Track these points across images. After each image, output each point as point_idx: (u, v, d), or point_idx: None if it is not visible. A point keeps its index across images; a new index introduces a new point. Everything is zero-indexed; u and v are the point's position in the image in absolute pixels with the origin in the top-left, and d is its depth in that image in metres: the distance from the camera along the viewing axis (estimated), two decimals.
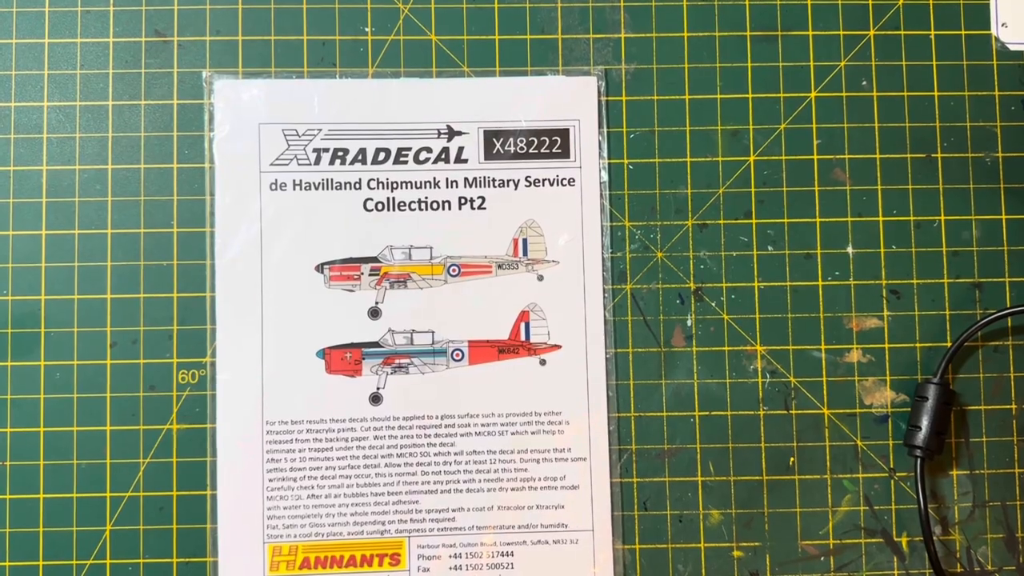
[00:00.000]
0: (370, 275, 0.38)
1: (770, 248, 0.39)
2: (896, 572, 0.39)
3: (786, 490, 0.39)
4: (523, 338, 0.38)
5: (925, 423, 0.38)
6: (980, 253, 0.40)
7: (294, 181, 0.38)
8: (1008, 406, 0.39)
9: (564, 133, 0.39)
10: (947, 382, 0.39)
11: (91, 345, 0.38)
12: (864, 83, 0.40)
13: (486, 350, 0.38)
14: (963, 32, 0.40)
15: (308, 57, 0.39)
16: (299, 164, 0.38)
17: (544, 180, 0.39)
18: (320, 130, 0.39)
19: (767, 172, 0.40)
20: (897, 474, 0.39)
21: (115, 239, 0.39)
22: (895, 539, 0.39)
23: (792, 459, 0.39)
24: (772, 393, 0.39)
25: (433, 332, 0.38)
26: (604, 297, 0.39)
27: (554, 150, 0.39)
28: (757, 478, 0.39)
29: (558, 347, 0.38)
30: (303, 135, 0.38)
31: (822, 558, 0.39)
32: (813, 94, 0.40)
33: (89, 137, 0.39)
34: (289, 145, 0.38)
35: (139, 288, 0.38)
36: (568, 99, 0.39)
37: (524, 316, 0.38)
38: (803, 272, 0.39)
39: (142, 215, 0.39)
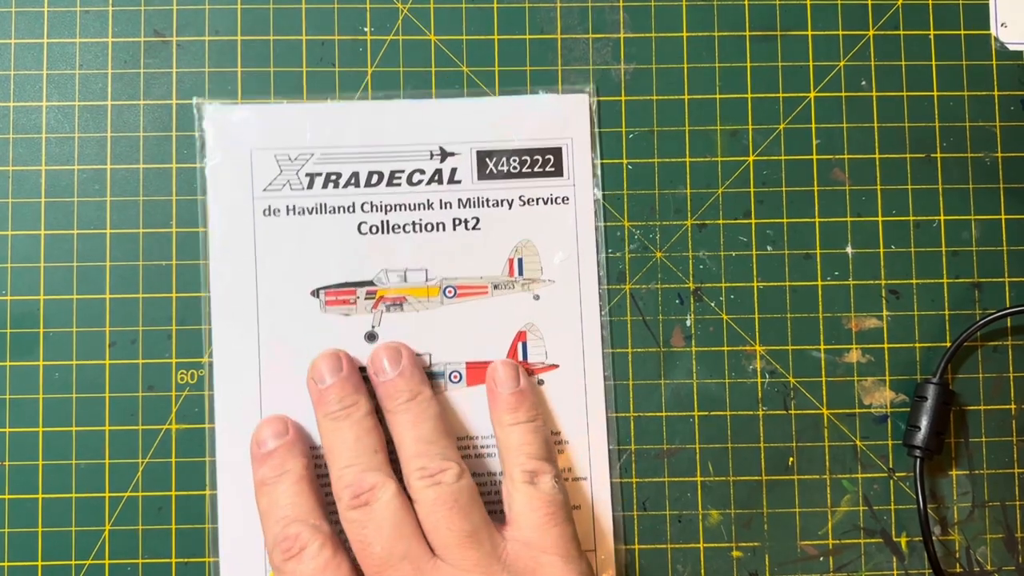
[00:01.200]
0: (366, 299, 0.38)
1: (769, 248, 0.39)
2: (895, 572, 0.39)
3: (785, 490, 0.39)
4: (521, 358, 0.38)
5: (924, 423, 0.38)
6: (980, 253, 0.40)
7: (287, 206, 0.38)
8: (1008, 406, 0.39)
9: (557, 152, 0.39)
10: (946, 382, 0.39)
11: (90, 345, 0.38)
12: (863, 83, 0.40)
13: (484, 371, 0.38)
14: (962, 32, 0.40)
15: (307, 57, 0.39)
16: (292, 189, 0.38)
17: (538, 199, 0.39)
18: (312, 154, 0.38)
19: (766, 172, 0.40)
20: (896, 474, 0.39)
21: (114, 239, 0.39)
22: (894, 539, 0.39)
23: (791, 459, 0.39)
24: (771, 393, 0.39)
25: (430, 354, 0.38)
26: (601, 315, 0.39)
27: (547, 169, 0.39)
28: (756, 478, 0.39)
29: (555, 366, 0.38)
30: (295, 159, 0.38)
31: (821, 558, 0.38)
32: (812, 94, 0.40)
33: (88, 137, 0.39)
34: (282, 170, 0.38)
35: (138, 288, 0.38)
36: (560, 118, 0.39)
37: (521, 336, 0.38)
38: (802, 272, 0.39)
39: (141, 215, 0.39)
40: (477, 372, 0.38)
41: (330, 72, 0.39)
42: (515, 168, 0.38)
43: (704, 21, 0.40)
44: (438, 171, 0.38)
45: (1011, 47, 0.40)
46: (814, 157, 0.40)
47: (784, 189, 0.40)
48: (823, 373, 0.39)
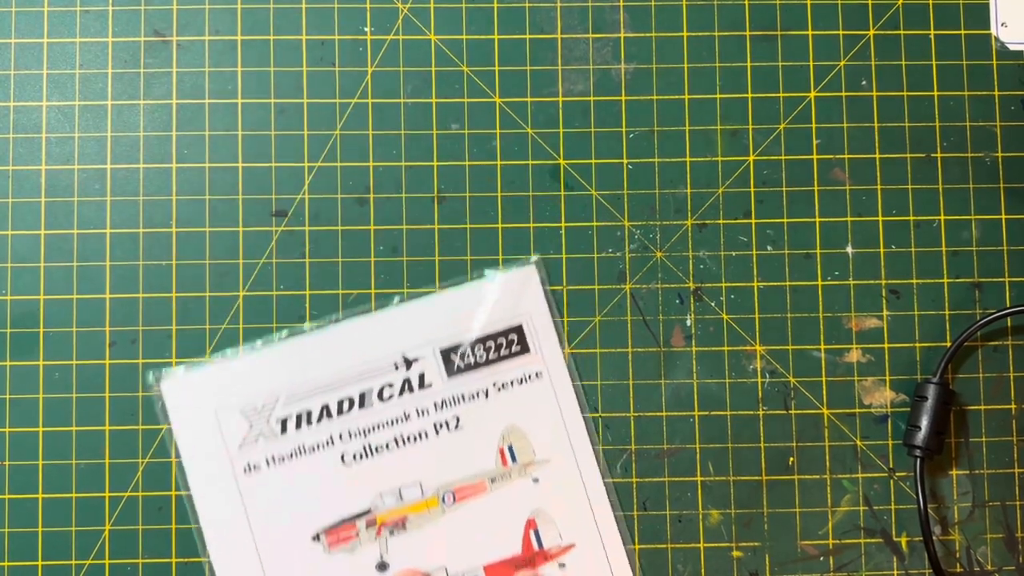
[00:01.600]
0: (367, 528, 0.37)
1: (769, 248, 0.39)
2: (896, 572, 0.39)
3: (786, 490, 0.39)
4: (536, 547, 0.37)
5: (925, 423, 0.38)
6: (980, 253, 0.40)
7: (266, 459, 0.37)
8: (1008, 406, 0.39)
9: (518, 330, 0.38)
10: (947, 382, 0.39)
11: (90, 345, 0.38)
12: (864, 83, 0.40)
13: (503, 570, 0.37)
14: (963, 32, 0.40)
15: (307, 57, 0.39)
16: (266, 439, 0.37)
17: (511, 381, 0.38)
18: (278, 398, 0.37)
19: (767, 172, 0.40)
20: (897, 474, 0.39)
21: (114, 239, 0.39)
22: (895, 539, 0.39)
23: (791, 459, 0.39)
24: (772, 393, 0.39)
25: (446, 568, 0.37)
26: (606, 485, 0.38)
27: (513, 349, 0.38)
28: (756, 478, 0.39)
29: (572, 546, 0.37)
30: (262, 409, 0.37)
31: (821, 558, 0.38)
32: (813, 94, 0.40)
33: (88, 137, 0.39)
34: (252, 424, 0.37)
35: (138, 288, 0.38)
36: (513, 295, 0.38)
37: (531, 524, 0.37)
38: (803, 272, 0.39)
39: (141, 215, 0.39)
40: (498, 573, 0.37)
41: (330, 72, 0.39)
42: (482, 357, 0.38)
43: (704, 21, 0.40)
44: (406, 380, 0.38)
45: (1011, 47, 0.40)
46: (814, 157, 0.40)
47: (784, 189, 0.40)
48: (823, 373, 0.39)
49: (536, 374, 0.38)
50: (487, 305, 0.38)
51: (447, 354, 0.38)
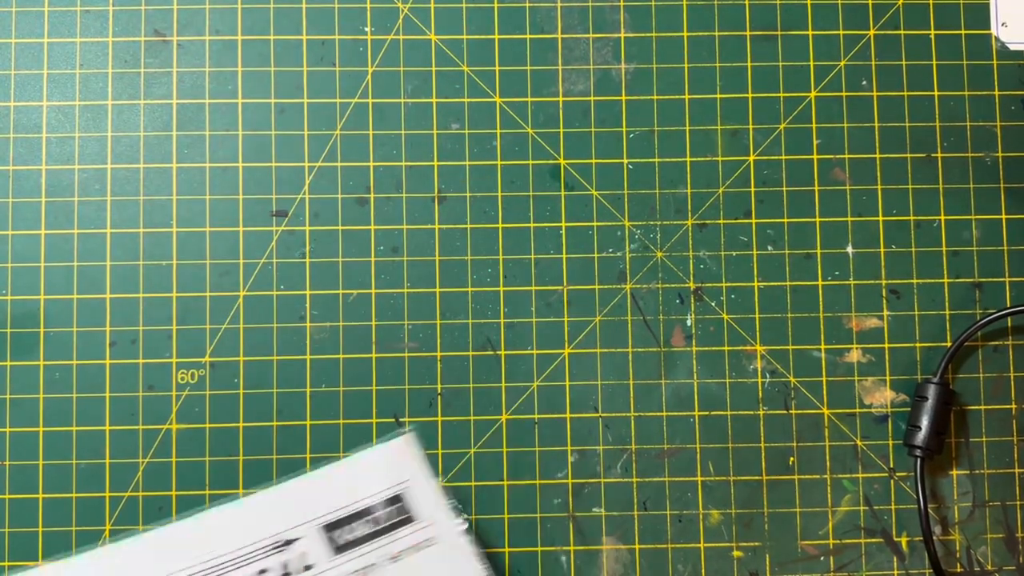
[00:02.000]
0: None
1: (770, 248, 0.39)
2: (896, 572, 0.39)
3: (786, 490, 0.39)
4: None
5: (925, 423, 0.38)
6: (980, 253, 0.40)
7: None
8: (1008, 406, 0.39)
9: (398, 499, 0.35)
10: (947, 382, 0.39)
11: (90, 345, 0.38)
12: (864, 83, 0.40)
13: None
14: (963, 32, 0.40)
15: (308, 57, 0.39)
16: None
17: (402, 551, 0.35)
18: None
19: (767, 172, 0.40)
20: (897, 474, 0.39)
21: (114, 239, 0.39)
22: (895, 539, 0.39)
23: (792, 459, 0.39)
24: (772, 393, 0.39)
25: None
26: None
27: (400, 519, 0.35)
28: (757, 478, 0.39)
29: None
30: None
31: (822, 558, 0.38)
32: (813, 94, 0.40)
33: (88, 137, 0.39)
34: None
35: (138, 288, 0.38)
36: (386, 466, 0.36)
37: None
38: (803, 272, 0.39)
39: (141, 215, 0.39)
40: None
41: (330, 72, 0.39)
42: (368, 531, 0.35)
43: (704, 21, 0.40)
44: (285, 564, 0.34)
45: (1011, 47, 0.40)
46: (814, 157, 0.40)
47: (784, 189, 0.40)
48: (823, 373, 0.39)
49: (427, 541, 0.35)
50: (363, 478, 0.36)
51: (329, 531, 0.35)
